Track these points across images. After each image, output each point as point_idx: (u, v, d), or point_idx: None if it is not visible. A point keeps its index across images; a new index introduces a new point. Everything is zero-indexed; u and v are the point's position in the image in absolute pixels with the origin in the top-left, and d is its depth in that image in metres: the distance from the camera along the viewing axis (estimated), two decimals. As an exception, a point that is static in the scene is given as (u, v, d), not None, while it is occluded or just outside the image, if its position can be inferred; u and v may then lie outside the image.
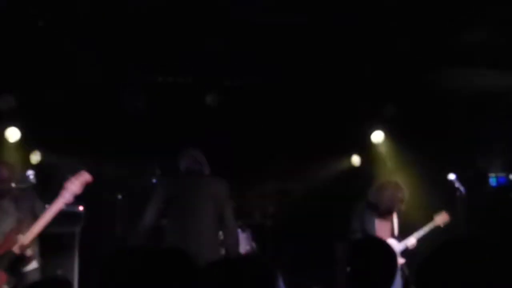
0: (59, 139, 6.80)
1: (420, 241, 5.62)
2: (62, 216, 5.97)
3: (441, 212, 5.91)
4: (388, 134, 7.38)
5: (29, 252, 5.14)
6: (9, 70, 6.46)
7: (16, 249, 5.09)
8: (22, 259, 5.13)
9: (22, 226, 5.18)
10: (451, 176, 5.99)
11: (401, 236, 5.76)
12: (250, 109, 7.47)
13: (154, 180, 6.50)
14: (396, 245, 5.49)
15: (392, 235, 5.76)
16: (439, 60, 6.67)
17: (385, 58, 6.81)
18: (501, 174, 7.17)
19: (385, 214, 5.72)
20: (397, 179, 5.94)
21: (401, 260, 5.50)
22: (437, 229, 5.78)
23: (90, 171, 6.23)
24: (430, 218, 5.88)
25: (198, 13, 5.81)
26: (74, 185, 5.37)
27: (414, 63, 6.82)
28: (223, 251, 5.57)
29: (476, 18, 5.92)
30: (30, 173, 5.65)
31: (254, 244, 6.61)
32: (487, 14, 5.84)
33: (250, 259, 3.49)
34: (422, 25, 6.09)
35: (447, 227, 5.90)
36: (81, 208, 6.26)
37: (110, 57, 6.61)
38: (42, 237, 5.50)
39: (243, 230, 6.58)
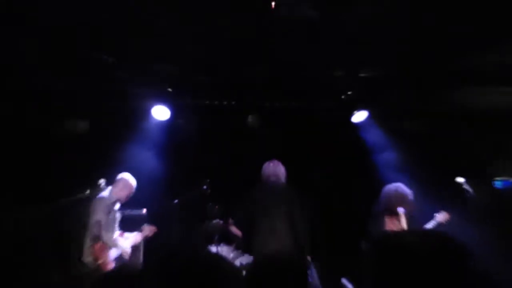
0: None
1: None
2: (129, 219, 6.57)
3: (441, 211, 6.27)
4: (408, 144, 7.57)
5: None
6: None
7: None
8: None
9: None
10: (460, 179, 6.28)
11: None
12: (287, 130, 7.94)
13: (204, 187, 6.70)
14: None
15: None
16: (455, 80, 6.82)
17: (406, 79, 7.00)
18: (507, 179, 7.43)
19: (392, 214, 5.92)
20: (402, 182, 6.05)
21: None
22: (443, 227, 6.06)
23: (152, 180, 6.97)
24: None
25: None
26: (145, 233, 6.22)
27: (431, 83, 6.97)
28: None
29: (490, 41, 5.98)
30: (102, 181, 6.25)
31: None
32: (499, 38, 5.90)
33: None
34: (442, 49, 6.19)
35: (456, 225, 6.09)
36: (144, 211, 6.72)
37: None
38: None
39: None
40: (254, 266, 3.40)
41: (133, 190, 6.26)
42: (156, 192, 6.65)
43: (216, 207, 6.87)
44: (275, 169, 5.88)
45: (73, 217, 6.16)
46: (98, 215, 5.83)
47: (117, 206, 6.14)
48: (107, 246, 5.81)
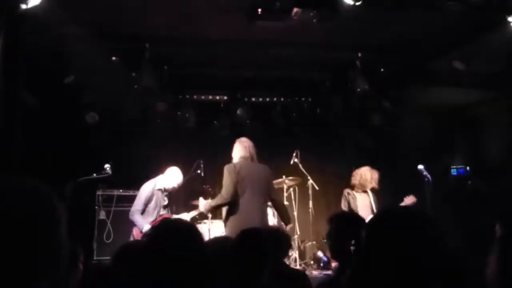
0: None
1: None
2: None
3: (410, 195, 6.59)
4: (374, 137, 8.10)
5: None
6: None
7: None
8: None
9: None
10: (420, 167, 6.57)
11: (379, 214, 6.46)
12: (270, 120, 8.48)
13: (198, 171, 7.21)
14: None
15: (372, 212, 6.46)
16: (416, 81, 7.46)
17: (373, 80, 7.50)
18: (461, 167, 7.87)
19: (361, 192, 6.57)
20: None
21: None
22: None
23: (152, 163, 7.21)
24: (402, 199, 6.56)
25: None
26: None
27: (397, 83, 7.64)
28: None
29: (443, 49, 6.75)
30: (107, 166, 6.60)
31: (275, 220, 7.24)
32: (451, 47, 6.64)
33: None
34: (404, 54, 6.97)
35: (417, 207, 6.35)
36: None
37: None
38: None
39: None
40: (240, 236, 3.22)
41: (178, 183, 6.52)
42: (156, 174, 6.76)
43: (209, 188, 7.55)
44: (251, 149, 5.82)
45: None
46: (138, 201, 6.29)
47: (164, 193, 6.49)
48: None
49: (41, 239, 1.22)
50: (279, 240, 3.77)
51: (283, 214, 5.94)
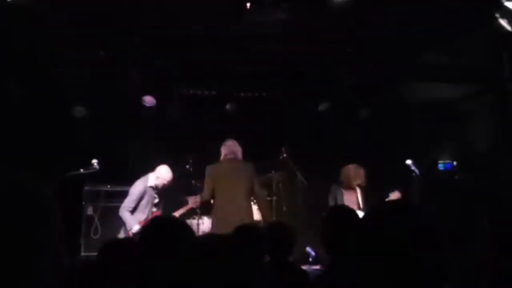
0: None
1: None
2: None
3: (394, 190, 6.60)
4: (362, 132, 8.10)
5: None
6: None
7: None
8: None
9: None
10: (408, 161, 6.71)
11: (367, 208, 6.29)
12: (260, 115, 8.48)
13: (187, 166, 7.20)
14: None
15: (359, 207, 6.45)
16: (403, 76, 7.54)
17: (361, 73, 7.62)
18: (448, 161, 7.88)
19: (348, 188, 6.58)
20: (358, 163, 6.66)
21: None
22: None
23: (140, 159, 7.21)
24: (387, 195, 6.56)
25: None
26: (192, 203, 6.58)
27: (384, 77, 7.64)
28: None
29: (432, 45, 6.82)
30: (95, 161, 6.56)
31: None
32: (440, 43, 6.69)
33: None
34: (392, 49, 6.96)
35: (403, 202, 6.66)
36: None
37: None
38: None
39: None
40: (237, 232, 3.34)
41: (168, 181, 6.55)
42: (145, 170, 6.77)
43: (197, 183, 7.26)
44: (233, 148, 5.98)
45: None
46: (129, 199, 6.30)
47: (155, 191, 6.52)
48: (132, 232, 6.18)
49: (37, 238, 1.22)
50: (279, 237, 3.69)
51: (263, 209, 6.16)
